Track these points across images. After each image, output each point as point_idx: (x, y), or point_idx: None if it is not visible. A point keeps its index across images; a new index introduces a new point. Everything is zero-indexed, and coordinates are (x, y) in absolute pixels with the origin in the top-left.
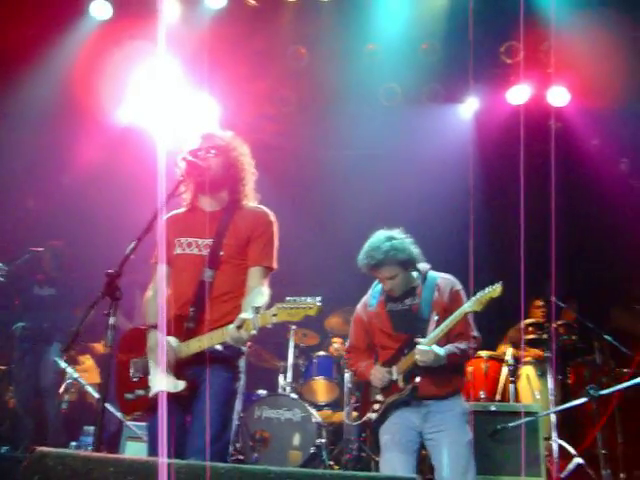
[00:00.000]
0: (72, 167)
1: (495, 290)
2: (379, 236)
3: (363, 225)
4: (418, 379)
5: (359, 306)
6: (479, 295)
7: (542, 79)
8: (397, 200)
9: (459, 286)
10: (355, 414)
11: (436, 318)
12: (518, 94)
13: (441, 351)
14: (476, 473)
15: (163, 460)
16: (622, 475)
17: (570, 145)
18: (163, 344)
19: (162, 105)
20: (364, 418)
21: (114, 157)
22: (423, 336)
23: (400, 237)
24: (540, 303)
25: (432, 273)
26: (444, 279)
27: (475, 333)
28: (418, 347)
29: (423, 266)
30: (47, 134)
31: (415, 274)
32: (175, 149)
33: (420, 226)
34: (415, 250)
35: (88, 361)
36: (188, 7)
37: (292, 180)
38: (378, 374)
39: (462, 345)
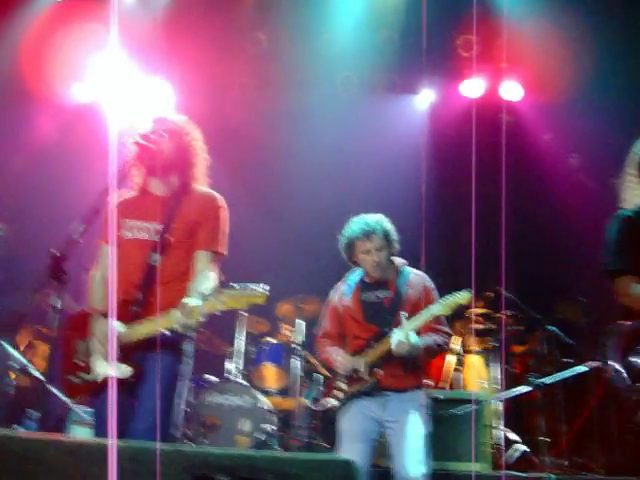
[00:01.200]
0: (22, 147)
1: (464, 297)
2: (362, 215)
3: (316, 213)
4: (381, 372)
5: (334, 293)
6: (449, 299)
7: (496, 73)
8: (351, 189)
9: (430, 284)
10: (302, 399)
11: (405, 314)
12: (472, 87)
13: (419, 342)
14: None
15: (113, 442)
16: (565, 462)
17: (522, 139)
18: (114, 329)
19: (116, 89)
20: (327, 405)
21: (65, 137)
22: (391, 330)
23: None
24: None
25: (406, 268)
26: (417, 276)
27: (446, 329)
28: (395, 337)
29: (398, 261)
30: None
31: (391, 266)
32: (128, 132)
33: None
34: (396, 235)
35: (43, 346)
36: None
37: (246, 167)
38: (344, 362)
39: (439, 339)
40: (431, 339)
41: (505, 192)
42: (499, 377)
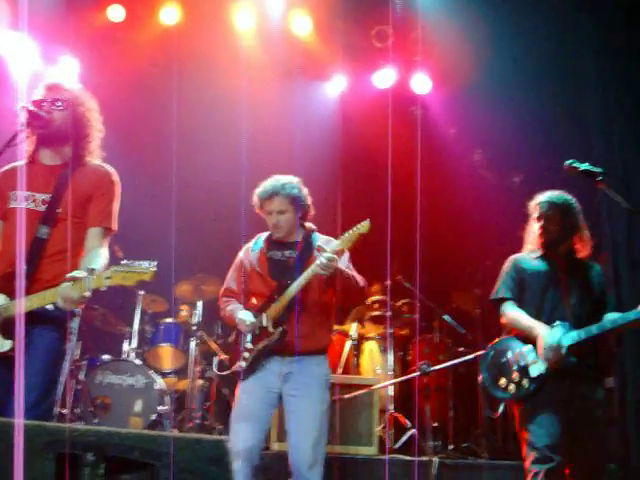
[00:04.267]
0: None
1: (364, 226)
2: (277, 176)
3: (218, 195)
4: (281, 328)
5: (241, 251)
6: (348, 232)
7: (408, 66)
8: (256, 172)
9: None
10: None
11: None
12: (384, 78)
13: (340, 262)
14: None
15: (20, 421)
16: (451, 446)
17: (430, 133)
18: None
19: (18, 55)
20: (234, 367)
21: None
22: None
23: (298, 181)
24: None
25: (316, 234)
26: (326, 239)
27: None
28: (325, 254)
29: (309, 225)
30: None
31: (301, 230)
32: (23, 99)
33: None
34: (308, 197)
35: None
36: None
37: (145, 143)
38: (247, 319)
39: (355, 274)
40: (354, 273)
41: (419, 184)
42: (393, 363)
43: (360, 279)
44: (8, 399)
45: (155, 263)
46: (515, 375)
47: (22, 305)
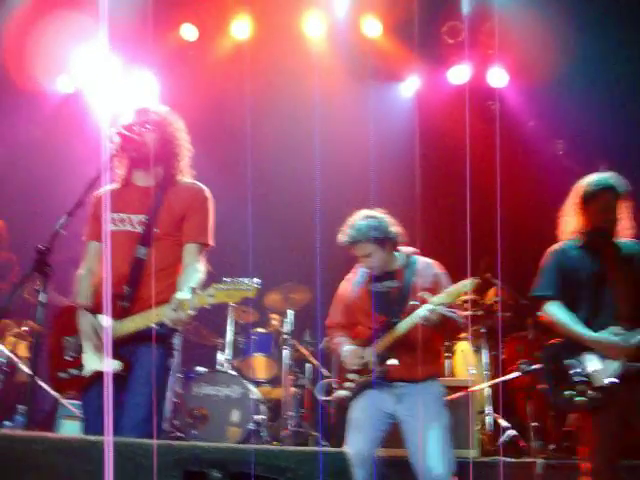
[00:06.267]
0: (5, 139)
1: (467, 285)
2: (359, 214)
3: (303, 202)
4: (392, 361)
5: (344, 282)
6: (452, 288)
7: (483, 60)
8: (337, 177)
9: (439, 270)
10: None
11: (413, 303)
12: (459, 74)
13: (447, 312)
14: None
15: (109, 439)
16: (551, 446)
17: (509, 126)
18: (108, 325)
19: (101, 80)
20: (336, 394)
21: (49, 130)
22: (399, 320)
23: (379, 216)
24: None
25: (415, 257)
26: (425, 263)
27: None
28: (427, 306)
29: (407, 250)
30: None
31: (398, 256)
32: (111, 124)
33: (363, 207)
34: (394, 230)
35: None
36: None
37: (228, 156)
38: (351, 355)
39: (455, 315)
40: (450, 311)
41: (499, 179)
42: (487, 363)
43: (458, 317)
44: (119, 416)
45: (257, 280)
46: (580, 386)
47: (110, 326)
